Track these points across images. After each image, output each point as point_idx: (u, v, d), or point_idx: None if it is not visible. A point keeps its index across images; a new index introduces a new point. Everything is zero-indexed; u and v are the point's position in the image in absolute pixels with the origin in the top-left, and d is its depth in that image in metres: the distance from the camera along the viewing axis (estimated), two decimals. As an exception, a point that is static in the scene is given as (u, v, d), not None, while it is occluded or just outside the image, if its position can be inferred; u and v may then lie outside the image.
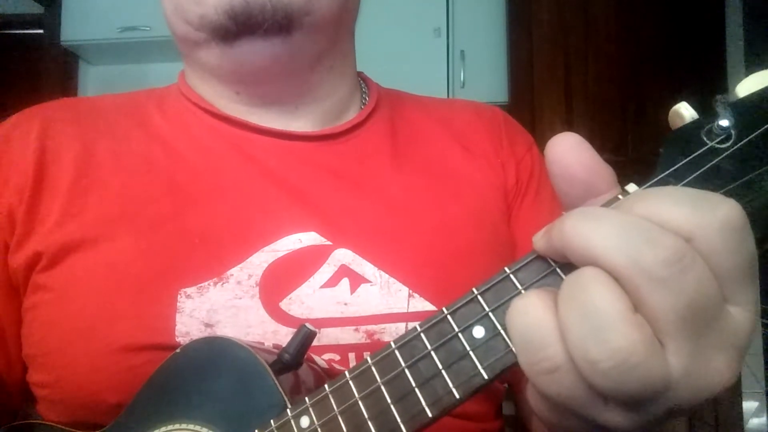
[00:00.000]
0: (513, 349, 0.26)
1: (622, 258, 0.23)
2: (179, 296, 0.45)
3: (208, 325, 0.45)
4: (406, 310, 0.47)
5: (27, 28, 2.70)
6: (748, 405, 2.09)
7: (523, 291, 0.28)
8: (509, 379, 0.56)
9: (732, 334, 0.24)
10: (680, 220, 0.24)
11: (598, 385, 0.23)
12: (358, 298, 0.47)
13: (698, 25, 2.15)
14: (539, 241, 0.27)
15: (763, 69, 0.28)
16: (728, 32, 2.19)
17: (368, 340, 0.46)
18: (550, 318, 0.25)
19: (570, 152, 0.28)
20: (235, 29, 0.47)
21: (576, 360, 0.23)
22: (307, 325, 0.38)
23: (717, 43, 2.17)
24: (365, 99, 0.61)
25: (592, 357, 0.23)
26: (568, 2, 2.23)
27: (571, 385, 0.24)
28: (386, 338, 0.46)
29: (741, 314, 0.24)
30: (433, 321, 0.29)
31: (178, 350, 0.40)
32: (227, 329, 0.45)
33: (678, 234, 0.23)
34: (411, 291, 0.48)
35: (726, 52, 2.17)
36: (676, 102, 0.31)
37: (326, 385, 0.32)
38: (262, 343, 0.45)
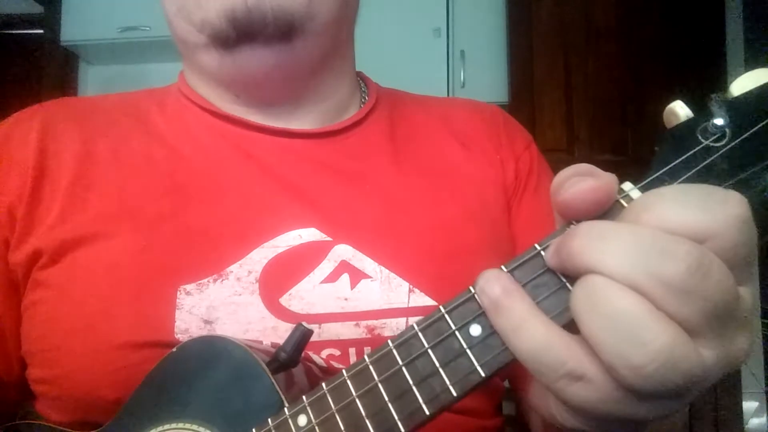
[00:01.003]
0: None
1: (641, 275, 0.23)
2: (179, 293, 0.45)
3: (207, 322, 0.45)
4: (406, 305, 0.47)
5: (27, 28, 2.70)
6: (748, 405, 2.09)
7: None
8: (511, 379, 0.57)
9: (746, 312, 0.24)
10: (692, 223, 0.24)
11: (640, 387, 0.23)
12: (359, 294, 0.47)
13: (698, 25, 2.15)
14: (551, 259, 0.27)
15: (762, 67, 0.29)
16: (728, 32, 2.19)
17: (369, 335, 0.46)
18: (555, 334, 0.25)
19: (580, 195, 0.27)
20: (235, 36, 0.47)
21: (614, 368, 0.23)
22: (304, 323, 0.38)
23: (717, 44, 2.17)
24: (364, 98, 0.61)
25: (635, 362, 0.22)
26: (568, 2, 2.23)
27: (604, 391, 0.24)
28: (387, 333, 0.47)
29: (747, 292, 0.25)
30: (431, 319, 0.30)
31: (174, 349, 0.40)
32: (227, 326, 0.45)
33: (693, 238, 0.23)
34: (411, 286, 0.48)
35: (726, 52, 2.17)
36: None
37: (324, 384, 0.32)
38: (260, 342, 0.45)
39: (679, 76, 2.10)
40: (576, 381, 0.24)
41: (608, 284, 0.23)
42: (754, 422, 2.09)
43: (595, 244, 0.24)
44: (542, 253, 0.28)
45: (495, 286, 0.27)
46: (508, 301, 0.26)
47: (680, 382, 0.23)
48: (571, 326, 0.26)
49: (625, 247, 0.23)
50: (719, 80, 2.11)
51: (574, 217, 0.27)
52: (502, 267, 0.28)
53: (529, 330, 0.25)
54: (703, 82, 2.07)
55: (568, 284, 0.27)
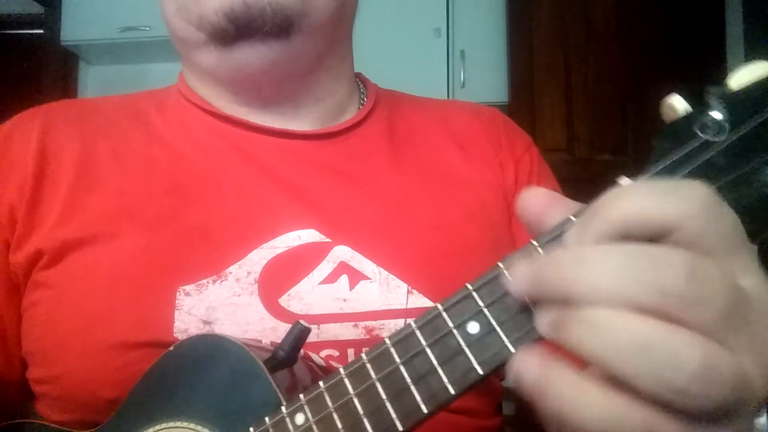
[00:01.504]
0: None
1: (643, 294, 0.22)
2: (178, 294, 0.45)
3: (206, 323, 0.45)
4: (404, 307, 0.47)
5: (27, 28, 2.70)
6: (748, 405, 2.09)
7: None
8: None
9: (763, 304, 0.23)
10: (655, 215, 0.23)
11: (692, 407, 0.21)
12: (357, 295, 0.47)
13: (698, 25, 2.15)
14: (520, 286, 0.26)
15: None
16: (728, 32, 2.19)
17: (367, 336, 0.46)
18: (571, 376, 0.23)
19: (543, 210, 0.27)
20: (234, 32, 0.48)
21: (660, 396, 0.21)
22: (302, 321, 0.38)
23: (717, 43, 2.17)
24: (363, 99, 0.61)
25: (680, 386, 0.21)
26: (568, 2, 2.23)
27: (654, 421, 0.22)
28: (385, 334, 0.46)
29: (751, 283, 0.23)
30: (428, 317, 0.29)
31: (171, 348, 0.40)
32: (226, 326, 0.45)
33: (659, 231, 0.23)
34: (410, 287, 0.48)
35: (726, 52, 2.17)
36: None
37: (321, 382, 0.32)
38: (259, 341, 0.45)
39: (680, 77, 2.09)
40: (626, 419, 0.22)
41: (614, 315, 0.22)
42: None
43: (578, 271, 0.23)
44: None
45: (530, 369, 0.25)
46: (549, 381, 0.24)
47: (728, 393, 0.21)
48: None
49: (613, 268, 0.22)
50: (719, 80, 2.12)
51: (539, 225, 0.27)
52: (499, 264, 0.28)
53: (585, 400, 0.23)
54: (704, 83, 2.06)
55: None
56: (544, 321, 0.25)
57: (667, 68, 2.13)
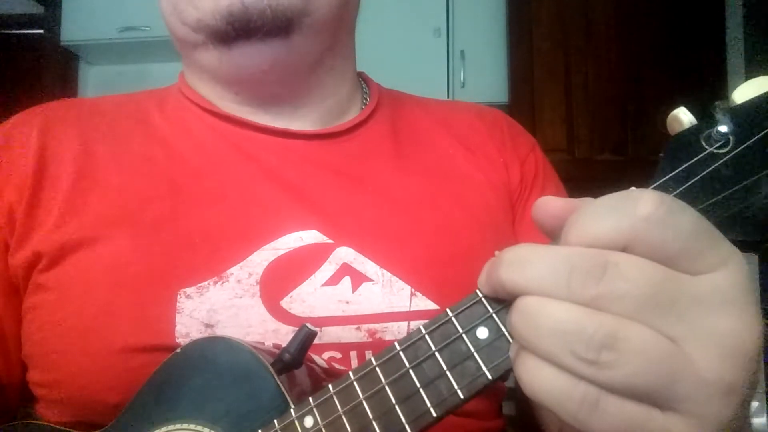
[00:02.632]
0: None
1: (563, 287, 0.24)
2: (179, 297, 0.45)
3: (208, 326, 0.45)
4: (408, 309, 0.47)
5: (27, 28, 2.70)
6: (748, 405, 2.09)
7: None
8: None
9: (717, 293, 0.24)
10: (610, 235, 0.25)
11: (613, 381, 0.23)
12: (360, 297, 0.47)
13: (698, 25, 2.15)
14: (484, 287, 0.29)
15: (762, 69, 0.29)
16: (728, 31, 2.19)
17: (370, 339, 0.46)
18: (551, 370, 0.25)
19: (562, 218, 0.29)
20: (233, 33, 0.47)
21: (579, 370, 0.24)
22: (308, 324, 0.38)
23: (717, 43, 2.17)
24: (366, 99, 0.61)
25: (589, 357, 0.23)
26: (568, 2, 2.23)
27: (622, 408, 0.24)
28: (388, 337, 0.46)
29: (716, 276, 0.24)
30: (438, 323, 0.30)
31: (178, 350, 0.39)
32: (227, 329, 0.45)
33: (616, 249, 0.24)
34: (413, 290, 0.48)
35: (726, 51, 2.17)
36: (676, 101, 0.32)
37: (330, 386, 0.32)
38: (263, 343, 0.45)
39: (680, 76, 2.10)
40: (594, 410, 0.24)
41: (538, 300, 0.25)
42: (754, 422, 2.09)
43: (519, 272, 0.26)
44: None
45: (511, 354, 0.28)
46: (516, 362, 0.27)
47: (641, 364, 0.23)
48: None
49: (542, 268, 0.25)
50: (719, 80, 2.12)
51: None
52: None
53: (536, 379, 0.26)
54: (704, 82, 2.07)
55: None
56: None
57: (667, 68, 2.13)
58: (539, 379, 0.25)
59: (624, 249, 0.24)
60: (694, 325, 0.24)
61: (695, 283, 0.24)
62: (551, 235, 0.29)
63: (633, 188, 0.28)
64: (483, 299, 0.29)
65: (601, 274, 0.24)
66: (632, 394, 0.23)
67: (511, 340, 0.28)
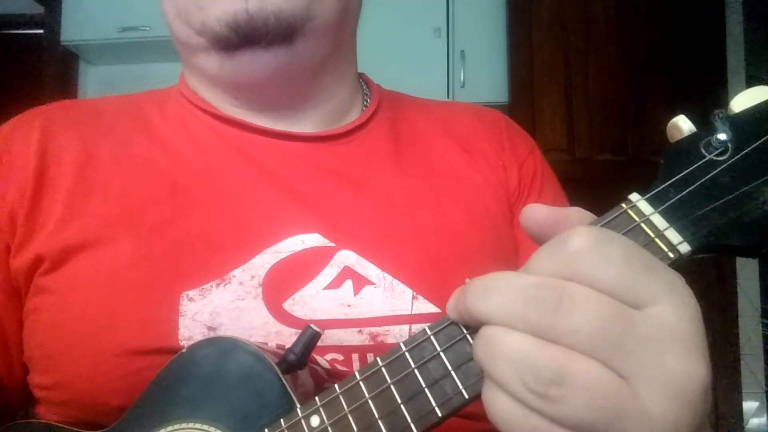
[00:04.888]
0: None
1: (519, 318, 0.25)
2: (181, 299, 0.45)
3: (211, 328, 0.45)
4: (409, 312, 0.47)
5: (27, 28, 2.70)
6: (748, 405, 2.10)
7: None
8: None
9: (665, 330, 0.24)
10: (553, 272, 0.26)
11: (561, 415, 0.24)
12: (362, 300, 0.47)
13: (698, 25, 2.15)
14: (451, 313, 0.30)
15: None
16: (728, 32, 2.19)
17: (372, 342, 0.46)
18: (507, 399, 0.25)
19: (545, 225, 0.30)
20: (237, 41, 0.47)
21: (526, 401, 0.24)
22: (313, 325, 0.38)
23: (717, 43, 2.17)
24: (367, 101, 0.61)
25: (539, 390, 0.24)
26: (568, 2, 2.23)
27: (542, 428, 0.24)
28: (390, 340, 0.46)
29: (661, 310, 0.25)
30: (443, 324, 0.30)
31: (184, 350, 0.40)
32: (230, 332, 0.45)
33: (561, 282, 0.25)
34: (415, 293, 0.48)
35: (726, 51, 2.17)
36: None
37: (336, 385, 0.33)
38: (266, 344, 0.45)
39: (679, 76, 2.11)
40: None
41: (498, 330, 0.26)
42: (754, 422, 2.09)
43: (482, 299, 0.27)
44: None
45: None
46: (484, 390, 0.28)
47: (588, 400, 0.23)
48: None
49: (503, 298, 0.26)
50: (719, 80, 2.12)
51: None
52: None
53: (494, 406, 0.27)
54: (703, 83, 2.07)
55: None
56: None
57: (668, 69, 2.13)
58: (497, 407, 0.26)
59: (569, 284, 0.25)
60: (643, 362, 0.24)
61: (643, 318, 0.25)
62: (539, 240, 0.30)
63: (638, 199, 0.29)
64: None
65: (557, 307, 0.24)
66: (580, 430, 0.24)
67: None
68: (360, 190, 0.53)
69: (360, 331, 0.46)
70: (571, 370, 0.23)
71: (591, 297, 0.24)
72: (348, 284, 0.48)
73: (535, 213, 0.30)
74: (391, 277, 0.48)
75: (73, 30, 2.44)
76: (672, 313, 0.25)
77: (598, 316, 0.24)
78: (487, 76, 2.29)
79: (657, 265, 0.26)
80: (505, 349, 0.25)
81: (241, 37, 0.47)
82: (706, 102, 1.97)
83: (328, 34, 0.52)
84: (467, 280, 0.28)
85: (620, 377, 0.24)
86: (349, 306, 0.47)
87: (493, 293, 0.26)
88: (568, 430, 0.24)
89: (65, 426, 0.44)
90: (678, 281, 0.26)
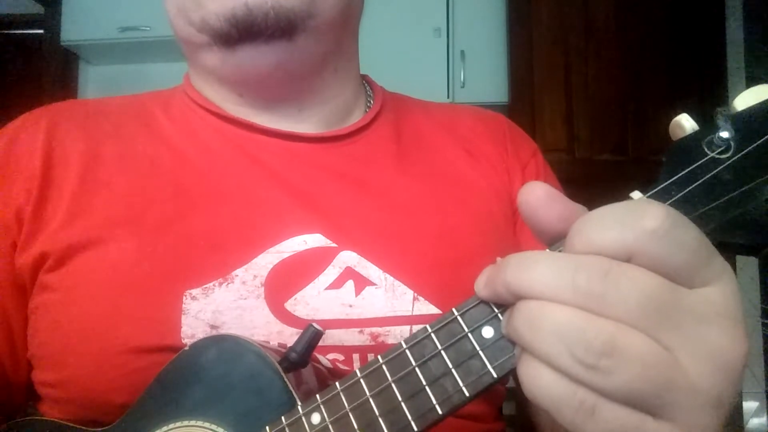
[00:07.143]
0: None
1: (566, 291, 0.25)
2: (184, 298, 0.45)
3: (213, 327, 0.45)
4: (410, 313, 0.47)
5: (27, 28, 2.70)
6: (748, 405, 2.10)
7: None
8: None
9: (711, 306, 0.25)
10: (613, 245, 0.25)
11: (611, 387, 0.23)
12: (363, 301, 0.47)
13: (698, 25, 2.15)
14: (482, 290, 0.29)
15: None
16: (728, 32, 2.20)
17: (373, 342, 0.46)
18: (551, 374, 0.25)
19: (542, 205, 0.29)
20: (237, 35, 0.48)
21: (577, 375, 0.24)
22: (315, 324, 0.38)
23: (717, 43, 2.17)
24: (370, 102, 0.61)
25: (588, 362, 0.23)
26: (568, 2, 2.24)
27: (617, 415, 0.24)
28: (390, 341, 0.47)
29: (711, 290, 0.25)
30: (444, 322, 0.30)
31: (186, 348, 0.40)
32: (232, 330, 0.45)
33: (617, 258, 0.25)
34: (416, 294, 0.48)
35: (726, 51, 2.18)
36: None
37: (337, 383, 0.33)
38: (268, 342, 0.45)
39: (679, 76, 2.11)
40: (591, 415, 0.24)
41: (541, 303, 0.25)
42: (754, 422, 2.09)
43: (525, 273, 0.26)
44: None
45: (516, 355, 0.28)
46: (518, 363, 0.27)
47: (638, 371, 0.23)
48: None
49: (548, 268, 0.25)
50: (719, 80, 2.12)
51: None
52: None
53: (535, 380, 0.26)
54: (704, 83, 2.07)
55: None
56: (503, 323, 0.28)
57: (667, 69, 2.13)
58: (539, 382, 0.25)
59: (627, 260, 0.25)
60: (689, 336, 0.24)
61: (691, 295, 0.25)
62: (531, 223, 0.30)
63: (639, 197, 0.29)
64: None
65: (606, 276, 0.24)
66: (628, 401, 0.24)
67: None
68: (363, 191, 0.53)
69: (361, 332, 0.47)
70: (622, 341, 0.23)
71: (638, 273, 0.24)
72: (349, 285, 0.48)
73: (533, 190, 0.30)
74: (392, 278, 0.48)
75: (73, 30, 2.45)
76: (719, 293, 0.25)
77: (647, 287, 0.24)
78: (487, 76, 2.29)
79: (715, 253, 0.26)
80: (551, 322, 0.25)
81: (241, 32, 0.47)
82: (706, 102, 1.98)
83: (329, 32, 0.52)
84: (498, 258, 0.28)
85: (667, 350, 0.24)
86: (350, 306, 0.47)
87: (536, 265, 0.26)
88: (615, 402, 0.24)
89: (69, 423, 0.44)
90: (728, 267, 0.26)
